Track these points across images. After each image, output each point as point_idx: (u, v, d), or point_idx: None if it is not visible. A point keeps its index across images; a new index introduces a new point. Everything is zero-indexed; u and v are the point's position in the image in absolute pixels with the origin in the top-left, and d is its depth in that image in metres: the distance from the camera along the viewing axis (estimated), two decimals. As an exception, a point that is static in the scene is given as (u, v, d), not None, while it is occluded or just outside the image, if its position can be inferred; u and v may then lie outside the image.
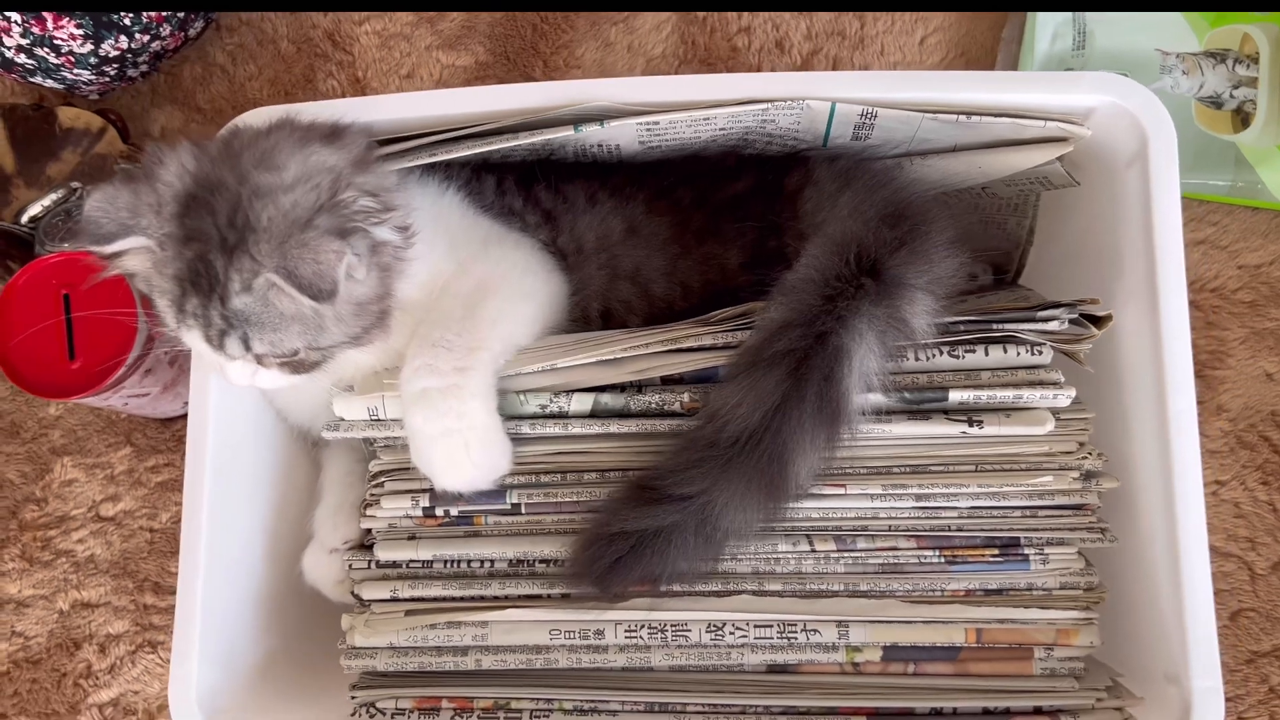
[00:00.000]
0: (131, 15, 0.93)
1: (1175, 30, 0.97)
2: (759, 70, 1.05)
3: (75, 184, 1.05)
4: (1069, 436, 0.66)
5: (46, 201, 1.03)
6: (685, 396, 0.67)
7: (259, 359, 0.63)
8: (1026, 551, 0.66)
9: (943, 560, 0.67)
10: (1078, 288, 0.72)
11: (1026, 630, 0.66)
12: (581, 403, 0.69)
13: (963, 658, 0.66)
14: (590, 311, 0.74)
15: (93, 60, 0.94)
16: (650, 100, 0.69)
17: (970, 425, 0.65)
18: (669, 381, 0.69)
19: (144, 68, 1.00)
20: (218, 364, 0.65)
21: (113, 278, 0.89)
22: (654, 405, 0.68)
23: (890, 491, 0.67)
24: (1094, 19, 0.97)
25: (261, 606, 0.75)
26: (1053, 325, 0.65)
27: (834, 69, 1.04)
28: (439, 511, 0.70)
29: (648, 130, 0.71)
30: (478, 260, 0.71)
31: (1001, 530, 0.67)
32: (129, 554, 1.03)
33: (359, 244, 0.61)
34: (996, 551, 0.66)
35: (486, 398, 0.66)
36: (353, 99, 0.71)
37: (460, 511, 0.70)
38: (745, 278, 0.71)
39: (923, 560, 0.67)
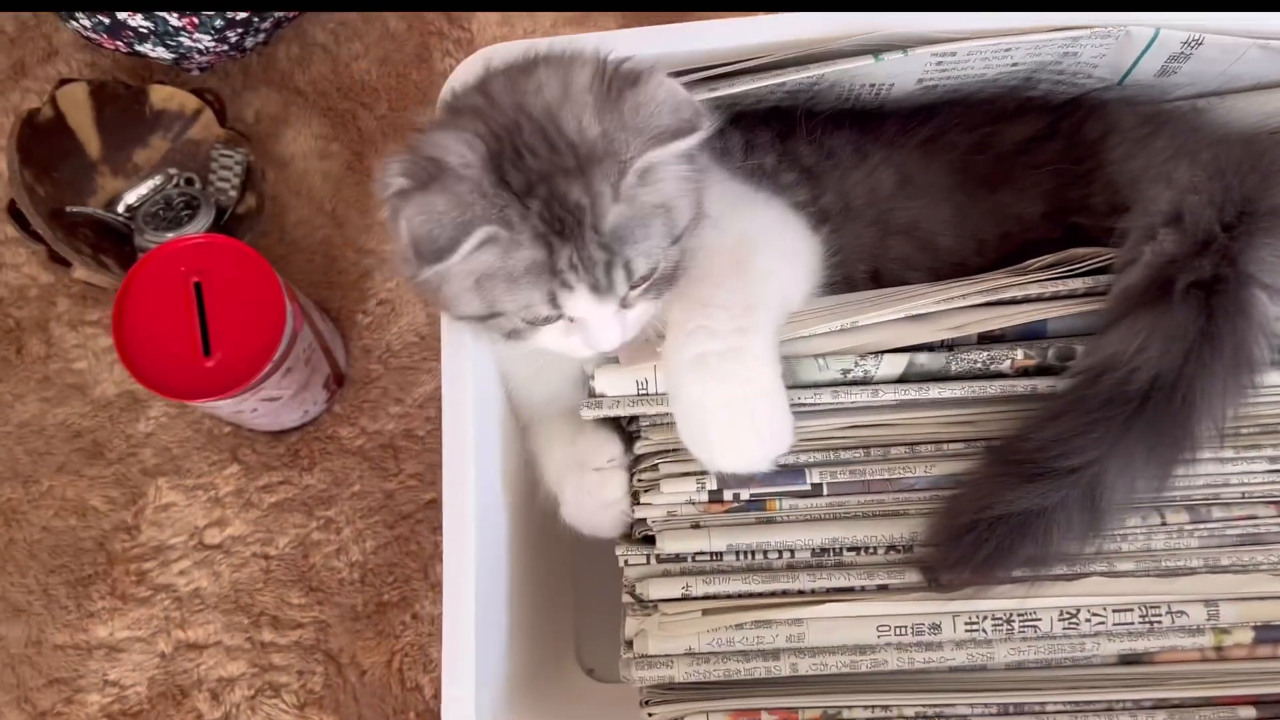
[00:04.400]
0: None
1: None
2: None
3: (173, 170, 0.94)
4: None
5: (144, 190, 0.93)
6: (1019, 354, 0.60)
7: (629, 294, 0.55)
8: (1397, 513, 0.60)
9: (1307, 528, 0.60)
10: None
11: None
12: (893, 365, 0.61)
13: (1343, 635, 0.59)
14: (855, 274, 0.66)
15: (217, 23, 0.84)
16: (953, 29, 0.62)
17: (1347, 373, 0.59)
18: (985, 340, 0.62)
19: (262, 36, 0.90)
20: (585, 333, 0.57)
21: (250, 260, 0.80)
22: (979, 366, 0.60)
23: (1242, 455, 0.60)
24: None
25: (525, 612, 0.65)
26: None
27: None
28: (727, 495, 0.61)
29: (938, 64, 0.64)
30: (731, 219, 0.63)
31: (1368, 492, 0.60)
32: (241, 585, 0.90)
33: None
34: (1365, 515, 0.60)
35: (772, 361, 0.58)
36: (609, 33, 0.63)
37: (752, 495, 0.61)
38: (1049, 230, 0.64)
39: (1287, 529, 0.60)
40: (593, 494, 0.62)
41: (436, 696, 0.87)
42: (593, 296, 0.54)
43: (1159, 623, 0.58)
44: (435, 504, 0.91)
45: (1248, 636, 0.59)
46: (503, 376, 0.67)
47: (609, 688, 0.84)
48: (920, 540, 0.58)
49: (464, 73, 0.62)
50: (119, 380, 0.94)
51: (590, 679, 0.84)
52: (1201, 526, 0.60)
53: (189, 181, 0.93)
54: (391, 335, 0.95)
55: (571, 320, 0.57)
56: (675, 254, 0.57)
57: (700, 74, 0.62)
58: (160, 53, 0.87)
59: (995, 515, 0.53)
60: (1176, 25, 0.61)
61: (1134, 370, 0.53)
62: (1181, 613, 0.58)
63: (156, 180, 0.92)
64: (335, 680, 0.88)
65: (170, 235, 0.90)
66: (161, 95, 0.94)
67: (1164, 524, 0.60)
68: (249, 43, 0.89)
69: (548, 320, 0.57)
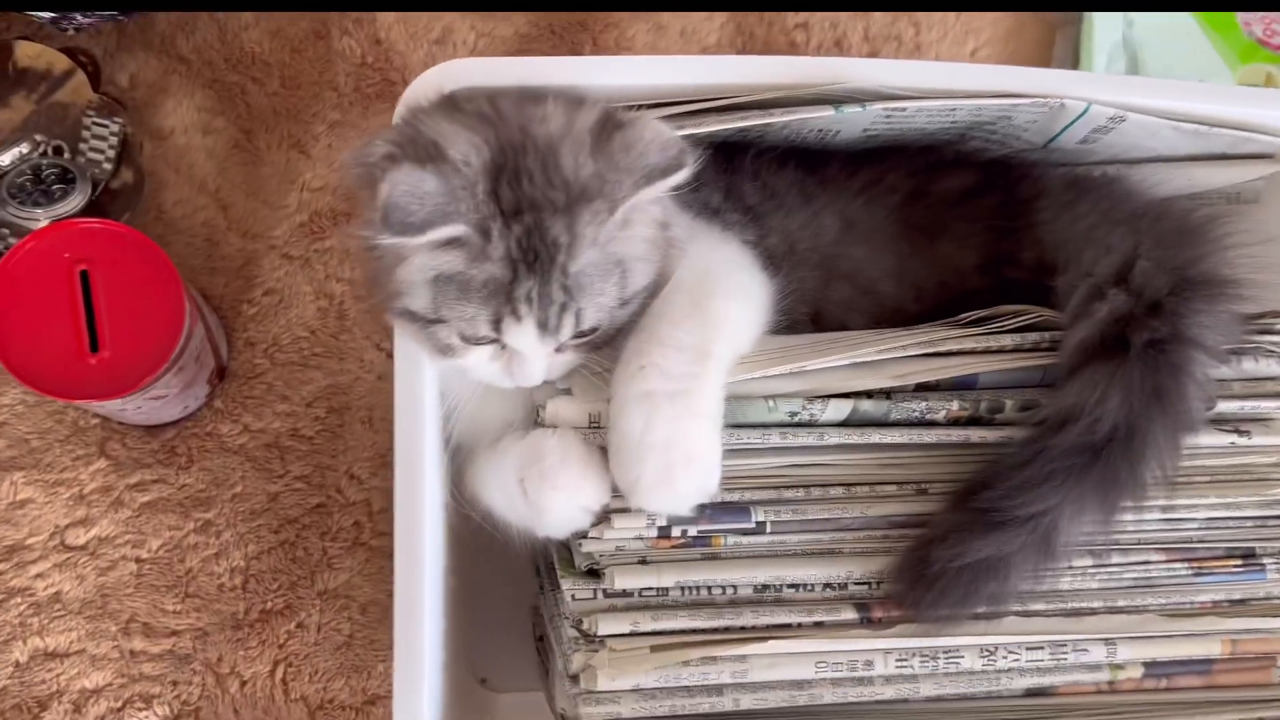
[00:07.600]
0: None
1: (1212, 65, 1.03)
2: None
3: (39, 137, 0.85)
4: (1298, 446, 0.67)
5: (6, 159, 0.84)
6: (954, 404, 0.63)
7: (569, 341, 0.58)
8: (1264, 560, 0.67)
9: (1191, 572, 0.66)
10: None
11: (1272, 639, 0.66)
12: (837, 410, 0.63)
13: (1215, 670, 0.66)
14: (796, 315, 0.68)
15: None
16: (913, 85, 0.64)
17: (1239, 435, 0.65)
18: (922, 389, 0.64)
19: None
20: (511, 364, 0.58)
21: (147, 251, 0.74)
22: (917, 414, 0.63)
23: (1138, 504, 0.65)
24: (1143, 45, 1.01)
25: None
26: (1291, 336, 0.67)
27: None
28: (675, 532, 0.62)
29: (886, 118, 0.66)
30: (691, 252, 0.63)
31: (1238, 540, 0.67)
32: (109, 590, 0.85)
33: None
34: (1239, 562, 0.66)
35: (717, 410, 0.59)
36: (578, 58, 0.62)
37: (700, 531, 0.62)
38: (982, 280, 0.68)
39: (1173, 573, 0.66)
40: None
41: (322, 708, 0.85)
42: (537, 333, 0.56)
43: (1064, 659, 0.63)
44: (323, 509, 0.88)
45: (1138, 672, 0.64)
46: (442, 396, 0.65)
47: (503, 697, 0.84)
48: (889, 582, 0.61)
49: (422, 87, 0.60)
50: (-33, 365, 0.86)
51: (484, 688, 0.84)
52: (1101, 570, 0.65)
53: (58, 151, 0.85)
54: (279, 328, 0.90)
55: (504, 348, 0.58)
56: (622, 317, 0.59)
57: (670, 109, 0.62)
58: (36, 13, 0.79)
59: (964, 564, 0.57)
60: (1106, 101, 0.66)
61: (1096, 420, 0.57)
62: (1084, 650, 0.63)
63: (22, 148, 0.84)
64: (213, 691, 0.84)
65: (40, 210, 0.82)
66: (29, 52, 0.86)
67: (1070, 567, 0.64)
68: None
69: (482, 341, 0.58)
